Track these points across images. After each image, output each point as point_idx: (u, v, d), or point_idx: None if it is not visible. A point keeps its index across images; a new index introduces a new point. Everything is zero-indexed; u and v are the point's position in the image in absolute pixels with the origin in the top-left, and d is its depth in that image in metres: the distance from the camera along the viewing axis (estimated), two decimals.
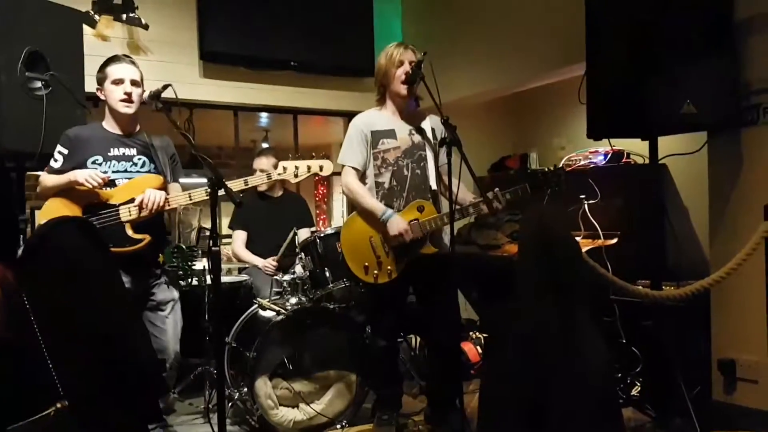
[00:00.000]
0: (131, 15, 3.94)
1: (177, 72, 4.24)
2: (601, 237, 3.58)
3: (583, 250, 3.40)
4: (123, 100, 2.77)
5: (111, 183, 2.75)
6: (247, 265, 4.07)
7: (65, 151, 2.74)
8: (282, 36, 4.59)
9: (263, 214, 4.06)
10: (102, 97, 2.85)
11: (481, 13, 4.50)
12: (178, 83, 4.05)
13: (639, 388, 3.22)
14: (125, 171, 2.79)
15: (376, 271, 2.84)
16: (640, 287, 3.08)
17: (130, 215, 2.68)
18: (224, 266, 4.23)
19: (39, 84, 2.89)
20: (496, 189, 2.78)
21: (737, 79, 2.66)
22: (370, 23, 4.98)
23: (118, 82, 2.77)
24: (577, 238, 3.74)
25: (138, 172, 2.81)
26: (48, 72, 2.91)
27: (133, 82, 2.78)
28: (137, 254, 2.70)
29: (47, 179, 2.73)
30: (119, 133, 2.84)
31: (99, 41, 3.96)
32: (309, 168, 2.87)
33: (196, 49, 4.37)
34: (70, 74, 3.05)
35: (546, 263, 1.91)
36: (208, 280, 3.33)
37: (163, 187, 2.79)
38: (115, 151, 2.80)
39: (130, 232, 2.68)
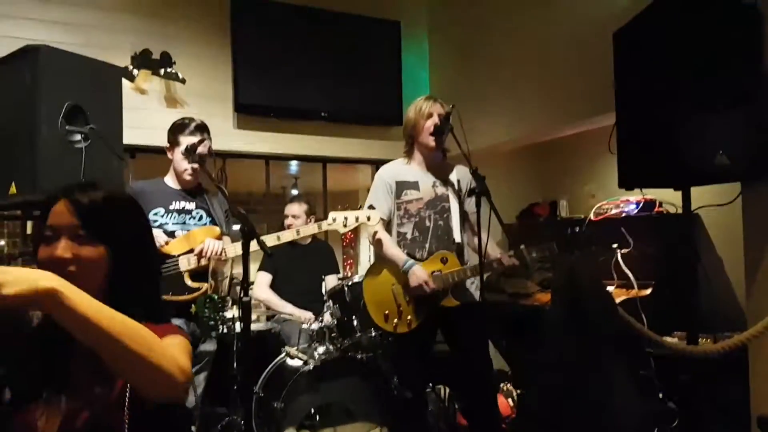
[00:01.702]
0: (169, 70, 4.09)
1: (212, 123, 4.27)
2: (635, 287, 3.52)
3: (617, 300, 3.34)
4: (189, 173, 2.93)
5: (170, 234, 2.89)
6: (274, 313, 4.07)
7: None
8: (312, 87, 4.70)
9: (291, 261, 4.08)
10: (170, 157, 3.03)
11: (507, 62, 4.54)
12: (212, 134, 4.20)
13: None
14: (184, 223, 2.95)
15: (395, 320, 2.83)
16: (676, 340, 3.02)
17: (189, 265, 2.79)
18: (253, 314, 4.23)
19: (78, 137, 2.98)
20: (522, 246, 2.76)
21: None
22: (398, 74, 5.08)
23: (187, 151, 2.93)
24: (611, 288, 3.68)
25: (196, 224, 2.97)
26: (87, 125, 3.01)
27: (197, 152, 2.90)
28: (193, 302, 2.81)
29: None
30: (179, 188, 2.99)
31: (137, 94, 4.10)
32: (357, 218, 2.89)
33: (230, 102, 4.50)
34: (109, 127, 3.14)
35: (578, 317, 1.87)
36: (237, 328, 3.36)
37: (220, 238, 2.92)
38: (175, 205, 2.97)
39: (188, 281, 2.79)
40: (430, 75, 5.33)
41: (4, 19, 3.83)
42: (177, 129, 2.99)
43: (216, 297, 2.37)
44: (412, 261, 2.84)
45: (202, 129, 3.01)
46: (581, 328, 1.91)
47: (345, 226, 2.87)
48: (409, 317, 2.82)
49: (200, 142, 2.61)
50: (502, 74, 4.60)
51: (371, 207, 2.93)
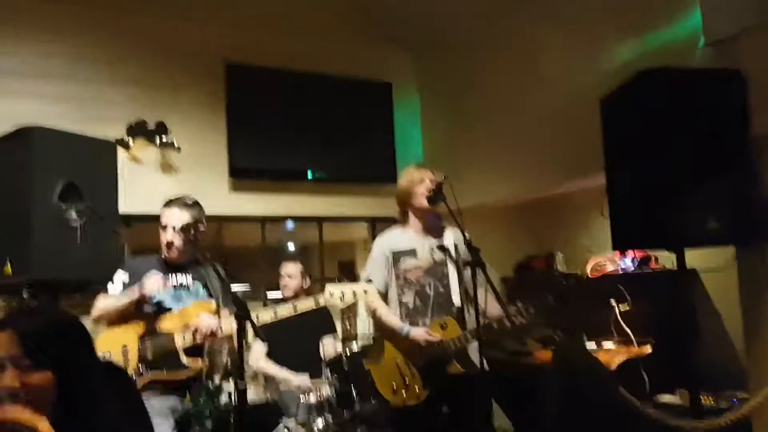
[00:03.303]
0: (164, 139, 4.14)
1: (207, 188, 4.38)
2: (635, 344, 3.49)
3: (618, 361, 3.31)
4: (165, 246, 2.91)
5: (167, 310, 2.86)
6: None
7: (126, 279, 2.88)
8: (306, 148, 4.77)
9: (285, 324, 4.03)
10: None
11: (497, 122, 4.61)
12: (208, 199, 4.22)
13: None
14: (181, 299, 2.92)
15: (404, 393, 2.79)
16: (678, 398, 2.99)
17: (184, 341, 2.75)
18: (250, 384, 4.17)
19: (74, 214, 2.98)
20: (519, 303, 2.76)
21: (759, 193, 2.64)
22: (390, 133, 5.15)
23: (163, 228, 2.93)
24: (610, 345, 3.65)
25: (193, 299, 2.93)
26: (82, 202, 3.02)
27: (181, 228, 2.90)
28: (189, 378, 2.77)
29: (107, 301, 2.84)
30: (175, 263, 2.96)
31: (133, 163, 4.13)
32: (354, 293, 2.85)
33: (225, 166, 4.54)
34: (104, 202, 3.15)
35: (575, 396, 1.85)
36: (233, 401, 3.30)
37: (216, 313, 2.87)
38: (173, 281, 2.94)
39: (183, 358, 2.75)
40: (422, 133, 5.40)
41: (2, 95, 3.88)
42: (164, 204, 3.00)
43: (211, 385, 2.33)
44: (407, 326, 2.84)
45: (175, 201, 2.99)
46: (579, 407, 1.89)
47: (342, 300, 2.85)
48: (417, 389, 2.79)
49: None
50: (492, 132, 4.66)
51: (369, 280, 2.92)
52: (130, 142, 4.08)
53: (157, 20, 4.44)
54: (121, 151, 3.83)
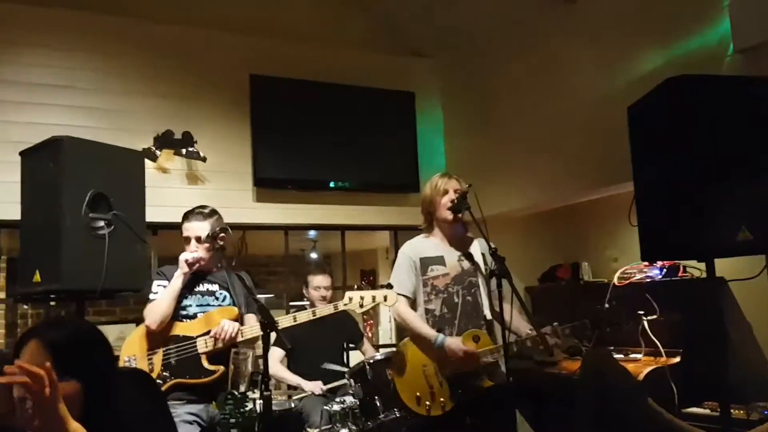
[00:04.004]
0: (190, 149, 4.19)
1: (232, 198, 4.43)
2: (663, 355, 3.43)
3: (646, 370, 3.26)
4: (188, 261, 2.97)
5: (193, 317, 2.93)
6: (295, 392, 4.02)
7: (165, 283, 2.96)
8: (329, 158, 4.78)
9: (310, 332, 4.04)
10: None
11: (521, 130, 4.58)
12: (233, 208, 4.26)
13: None
14: (207, 305, 2.98)
15: (428, 403, 2.76)
16: (708, 412, 2.93)
17: (206, 347, 2.80)
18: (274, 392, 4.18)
19: (102, 223, 3.03)
20: (555, 323, 2.71)
21: None
22: (413, 142, 5.14)
23: (185, 240, 3.01)
24: (638, 355, 3.60)
25: (219, 306, 2.98)
26: (111, 211, 3.06)
27: (199, 239, 2.97)
28: (211, 384, 2.79)
29: (160, 302, 2.89)
30: (202, 271, 3.01)
31: (160, 173, 4.19)
32: (374, 298, 2.88)
33: (250, 176, 4.57)
34: (132, 211, 3.20)
35: (605, 413, 1.82)
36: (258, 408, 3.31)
37: (238, 319, 2.92)
38: (200, 287, 3.01)
39: (205, 363, 2.81)
40: (445, 142, 5.39)
41: (32, 106, 3.97)
42: (182, 216, 3.06)
43: (237, 393, 2.35)
44: (442, 336, 2.80)
45: (193, 213, 3.04)
46: (607, 418, 1.86)
47: (361, 306, 2.86)
48: (442, 399, 2.76)
49: (222, 230, 2.72)
50: (516, 141, 4.63)
51: (389, 285, 2.91)
52: (157, 153, 4.14)
53: (184, 33, 4.50)
54: (148, 162, 3.90)
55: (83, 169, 3.01)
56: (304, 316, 2.90)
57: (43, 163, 2.95)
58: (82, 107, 4.10)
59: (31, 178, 2.99)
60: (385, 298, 2.90)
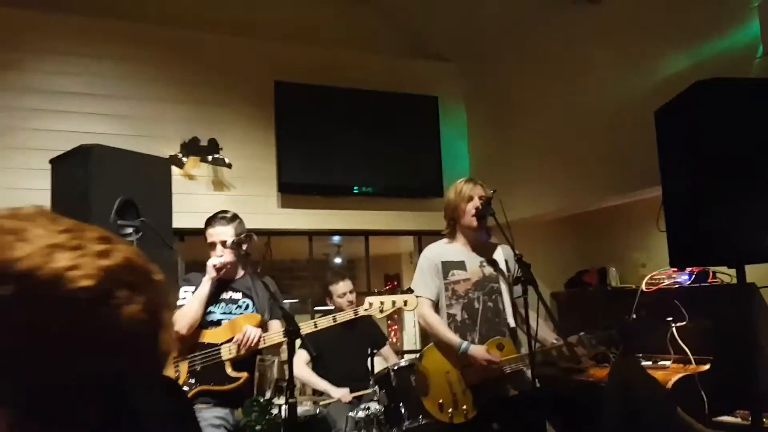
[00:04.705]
0: (216, 156, 4.24)
1: (257, 204, 4.47)
2: (693, 362, 3.37)
3: (675, 378, 3.21)
4: (213, 268, 2.98)
5: (217, 323, 2.94)
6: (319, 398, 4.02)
7: (192, 290, 2.98)
8: (353, 163, 4.80)
9: (334, 338, 4.05)
10: None
11: (546, 133, 4.54)
12: (257, 214, 4.27)
13: None
14: (230, 313, 2.99)
15: (450, 410, 2.74)
16: (739, 420, 2.86)
17: (230, 353, 2.82)
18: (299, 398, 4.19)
19: (130, 230, 3.07)
20: (582, 333, 2.67)
21: None
22: (437, 146, 5.14)
23: (210, 246, 3.02)
24: (667, 363, 3.54)
25: (242, 313, 3.00)
26: (138, 218, 3.10)
27: (224, 243, 2.97)
28: (236, 390, 2.81)
29: (189, 307, 2.91)
30: (225, 278, 3.03)
31: (186, 180, 4.24)
32: (394, 303, 2.89)
33: (274, 182, 4.61)
34: (160, 217, 3.23)
35: (634, 424, 1.79)
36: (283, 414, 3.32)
37: (260, 325, 2.94)
38: (224, 295, 3.03)
39: (229, 370, 2.84)
40: (469, 146, 5.37)
41: (60, 114, 4.05)
42: (205, 222, 3.09)
43: (262, 399, 2.36)
44: (467, 342, 2.77)
45: (216, 218, 3.06)
46: (635, 427, 1.83)
47: (381, 311, 2.86)
48: (465, 407, 2.73)
49: (248, 237, 2.73)
50: (541, 145, 4.59)
51: (410, 290, 2.91)
52: (184, 160, 4.19)
53: (209, 41, 4.56)
54: (174, 169, 3.95)
55: (112, 177, 3.06)
56: (324, 322, 2.90)
57: (73, 170, 2.99)
58: (110, 115, 4.18)
59: (61, 185, 3.04)
60: (406, 303, 2.90)
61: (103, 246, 0.54)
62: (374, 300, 2.89)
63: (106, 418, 0.57)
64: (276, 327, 3.01)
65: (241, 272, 3.10)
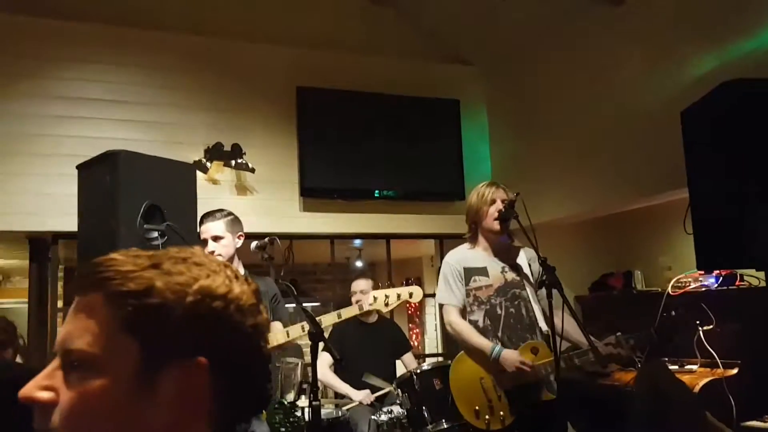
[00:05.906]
0: (239, 161, 4.28)
1: (279, 208, 4.50)
2: (720, 366, 3.32)
3: (702, 382, 3.16)
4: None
5: None
6: (342, 401, 4.03)
7: None
8: (375, 167, 4.80)
9: (358, 341, 4.07)
10: None
11: (568, 136, 4.50)
12: (280, 217, 4.30)
13: None
14: None
15: (487, 417, 2.70)
16: None
17: None
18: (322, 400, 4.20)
19: (156, 234, 3.11)
20: (618, 334, 2.63)
21: None
22: (458, 150, 5.12)
23: (203, 243, 3.07)
24: (694, 367, 3.49)
25: None
26: (164, 222, 3.14)
27: (214, 238, 3.05)
28: None
29: None
30: None
31: (210, 184, 4.29)
32: (399, 296, 2.89)
33: (296, 186, 4.63)
34: (185, 222, 3.27)
35: (659, 425, 1.77)
36: (307, 417, 3.34)
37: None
38: None
39: None
40: (491, 149, 5.35)
41: (86, 121, 4.12)
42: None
43: (286, 401, 2.36)
44: (499, 347, 2.74)
45: (206, 216, 3.13)
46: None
47: (386, 305, 2.85)
48: (501, 413, 2.69)
49: (270, 241, 2.74)
50: (563, 147, 4.55)
51: (413, 283, 2.90)
52: (208, 165, 4.24)
53: (232, 47, 4.61)
54: (199, 174, 3.98)
55: (138, 182, 3.10)
56: (329, 319, 2.87)
57: (100, 175, 3.04)
58: (135, 121, 4.23)
59: (88, 191, 3.09)
60: (411, 295, 2.89)
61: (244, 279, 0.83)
62: (379, 294, 2.89)
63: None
64: (279, 328, 3.00)
65: (241, 271, 3.10)
